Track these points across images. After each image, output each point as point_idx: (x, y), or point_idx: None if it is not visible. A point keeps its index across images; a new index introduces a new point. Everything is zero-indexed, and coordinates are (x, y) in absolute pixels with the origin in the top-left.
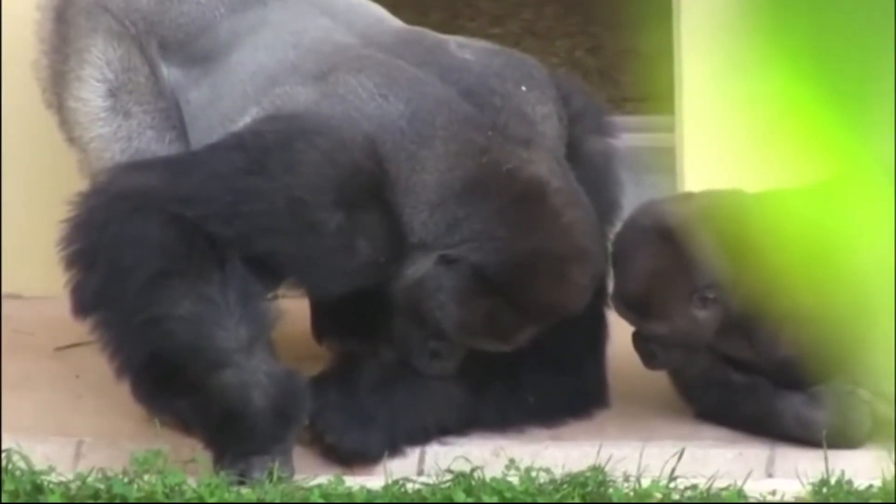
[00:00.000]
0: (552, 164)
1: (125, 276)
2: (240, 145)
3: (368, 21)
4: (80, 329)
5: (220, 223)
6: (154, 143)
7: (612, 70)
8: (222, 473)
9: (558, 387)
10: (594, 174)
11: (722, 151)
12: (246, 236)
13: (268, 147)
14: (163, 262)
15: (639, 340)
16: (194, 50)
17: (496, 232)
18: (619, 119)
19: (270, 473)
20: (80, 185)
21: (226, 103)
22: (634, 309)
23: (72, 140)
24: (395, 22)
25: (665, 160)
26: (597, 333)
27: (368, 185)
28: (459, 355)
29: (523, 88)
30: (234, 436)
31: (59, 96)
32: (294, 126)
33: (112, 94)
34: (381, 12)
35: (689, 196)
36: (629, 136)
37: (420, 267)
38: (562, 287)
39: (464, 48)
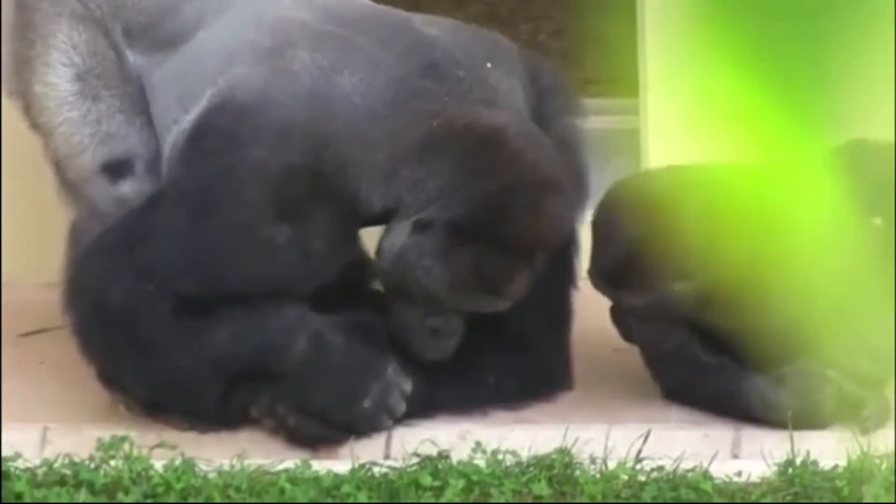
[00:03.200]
0: (514, 116)
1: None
2: (179, 197)
3: (332, 3)
4: (44, 315)
5: (186, 281)
6: (124, 127)
7: (576, 53)
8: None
9: (520, 368)
10: (562, 151)
11: (685, 134)
12: (213, 282)
13: (204, 185)
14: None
15: (617, 314)
16: (158, 34)
17: (460, 183)
18: (584, 102)
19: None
20: (45, 170)
21: (187, 81)
22: (612, 283)
23: (36, 126)
24: (365, 4)
25: (629, 142)
26: (560, 314)
27: (310, 185)
28: (459, 330)
29: (489, 65)
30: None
31: (25, 82)
32: (229, 139)
33: (80, 77)
34: None
35: (664, 170)
36: (594, 118)
37: (395, 239)
38: (539, 218)
39: (430, 25)
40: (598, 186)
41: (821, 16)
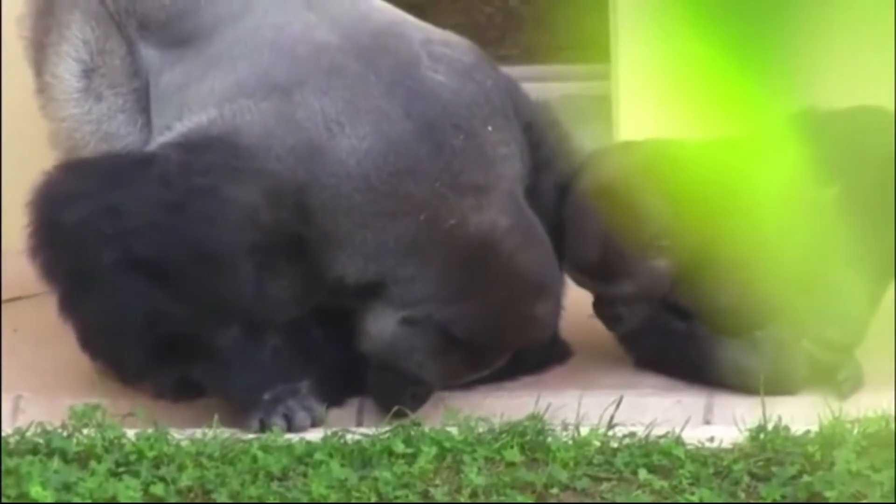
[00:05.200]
0: (505, 205)
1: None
2: (165, 180)
3: (351, 14)
4: (18, 284)
5: (144, 248)
6: (124, 127)
7: (546, 19)
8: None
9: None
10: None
11: (657, 99)
12: (154, 261)
13: (192, 189)
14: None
15: (602, 306)
16: (174, 32)
17: (453, 293)
18: (555, 68)
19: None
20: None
21: (191, 91)
22: (596, 275)
23: (46, 111)
24: (380, 12)
25: (600, 108)
26: None
27: (287, 245)
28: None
29: (489, 128)
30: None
31: (39, 66)
32: (225, 173)
33: (86, 74)
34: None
35: (622, 148)
36: (565, 84)
37: (383, 327)
38: (529, 326)
39: (437, 65)
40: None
41: None
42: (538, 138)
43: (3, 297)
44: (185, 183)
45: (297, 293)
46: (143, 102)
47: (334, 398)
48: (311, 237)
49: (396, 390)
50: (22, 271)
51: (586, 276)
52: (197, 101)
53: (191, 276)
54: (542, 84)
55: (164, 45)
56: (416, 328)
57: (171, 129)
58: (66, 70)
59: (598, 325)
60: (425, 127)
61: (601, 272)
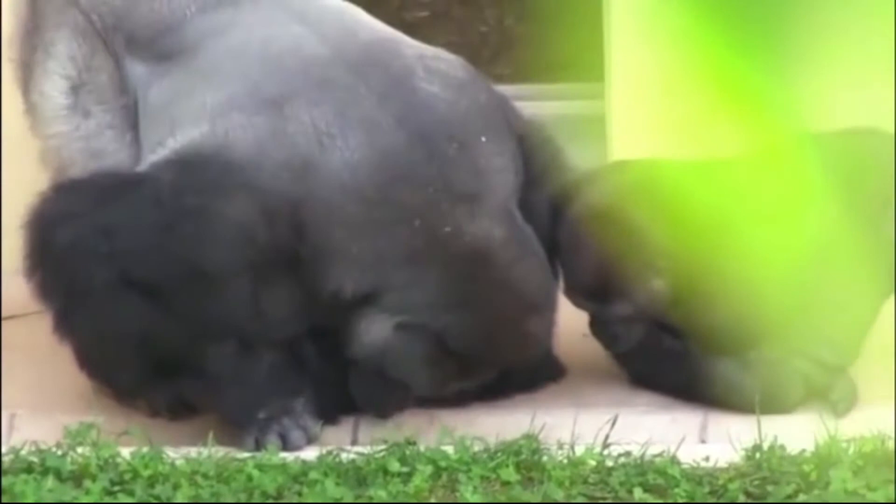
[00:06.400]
0: (499, 215)
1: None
2: (158, 200)
3: (341, 29)
4: (12, 302)
5: (130, 261)
6: (112, 143)
7: (542, 38)
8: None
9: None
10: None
11: (650, 118)
12: (148, 281)
13: (184, 208)
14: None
15: (600, 326)
16: (160, 47)
17: (447, 303)
18: (549, 87)
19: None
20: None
21: (181, 106)
22: (593, 296)
23: (35, 129)
24: (371, 30)
25: (594, 127)
26: None
27: (283, 261)
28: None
29: (483, 139)
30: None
31: (26, 85)
32: (217, 191)
33: (73, 91)
34: (357, 15)
35: (615, 168)
36: (559, 103)
37: (376, 334)
38: (523, 341)
39: (432, 77)
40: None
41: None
42: (531, 152)
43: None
44: (177, 202)
45: (293, 310)
46: (131, 118)
47: (329, 415)
48: (306, 252)
49: (380, 394)
50: (14, 290)
51: (583, 298)
52: (189, 115)
53: (185, 295)
54: (537, 103)
55: (152, 60)
56: (410, 335)
57: (163, 145)
58: (53, 87)
59: (593, 343)
60: (418, 136)
61: (598, 293)
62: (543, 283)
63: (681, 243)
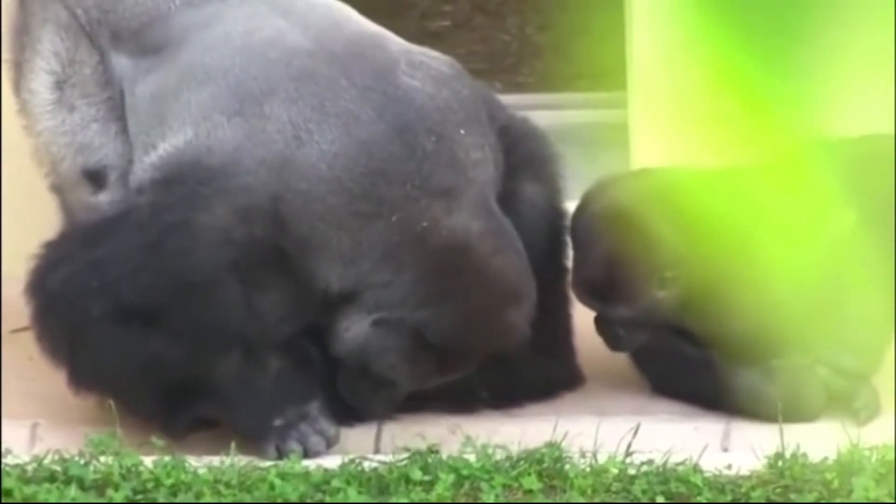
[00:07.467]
0: (477, 209)
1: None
2: (138, 224)
3: (326, 24)
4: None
5: (122, 288)
6: (98, 137)
7: (564, 47)
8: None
9: (549, 371)
10: (530, 223)
11: (673, 127)
12: (142, 305)
13: (164, 226)
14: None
15: (602, 325)
16: (145, 41)
17: (426, 297)
18: (571, 96)
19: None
20: (36, 170)
21: (167, 103)
22: (597, 295)
23: (27, 128)
24: (357, 24)
25: (617, 136)
26: (567, 316)
27: (268, 258)
28: (405, 395)
29: (462, 132)
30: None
31: (17, 85)
32: (195, 198)
33: (58, 86)
34: (344, 11)
35: (639, 174)
36: (581, 112)
37: (357, 330)
38: (501, 331)
39: (415, 71)
40: (588, 180)
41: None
42: (513, 144)
43: (18, 326)
44: (157, 221)
45: (288, 308)
46: (116, 111)
47: (345, 416)
48: (289, 246)
49: (368, 393)
50: None
51: (588, 295)
52: (177, 116)
53: (180, 310)
54: (559, 112)
55: (137, 53)
56: (389, 330)
57: (155, 147)
58: (40, 84)
59: (613, 353)
60: (397, 129)
61: (603, 293)
62: (521, 274)
63: (701, 251)
